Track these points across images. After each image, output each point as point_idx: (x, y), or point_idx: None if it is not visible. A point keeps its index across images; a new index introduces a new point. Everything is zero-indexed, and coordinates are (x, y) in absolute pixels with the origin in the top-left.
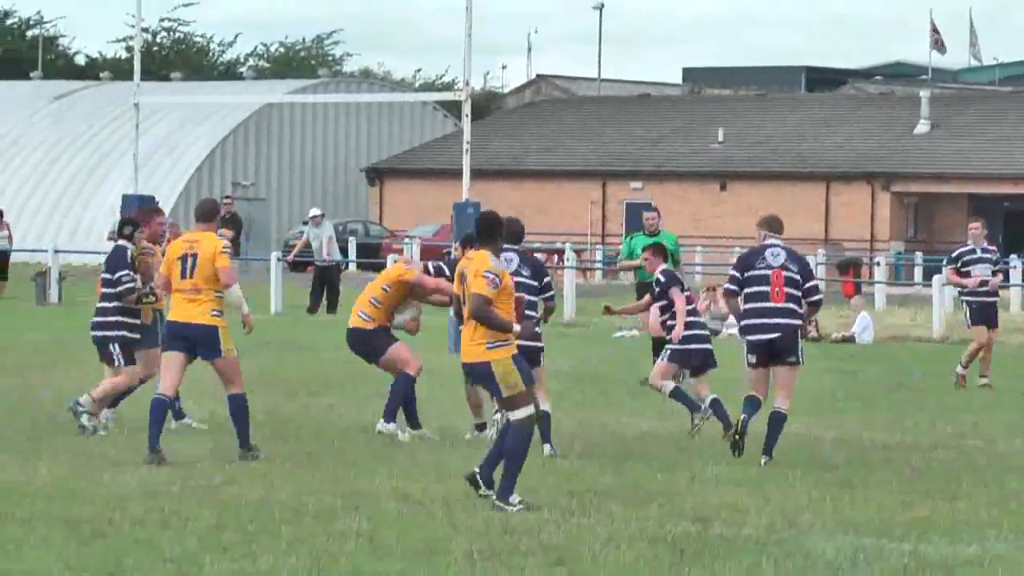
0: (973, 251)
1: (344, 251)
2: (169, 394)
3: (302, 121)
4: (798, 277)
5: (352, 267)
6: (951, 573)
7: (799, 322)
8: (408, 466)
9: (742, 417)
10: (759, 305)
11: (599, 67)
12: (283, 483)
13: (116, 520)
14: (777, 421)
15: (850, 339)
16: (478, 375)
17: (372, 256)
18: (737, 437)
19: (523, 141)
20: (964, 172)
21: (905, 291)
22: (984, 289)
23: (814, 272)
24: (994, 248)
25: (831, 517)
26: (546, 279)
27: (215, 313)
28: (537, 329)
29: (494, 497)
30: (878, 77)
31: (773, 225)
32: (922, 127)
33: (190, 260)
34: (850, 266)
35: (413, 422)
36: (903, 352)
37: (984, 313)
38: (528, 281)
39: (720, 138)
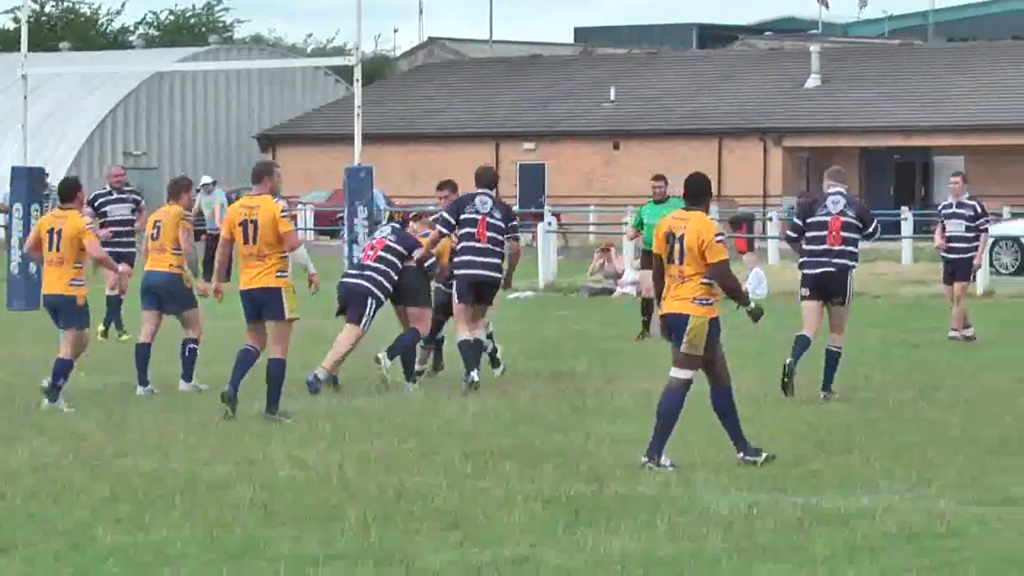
0: (949, 205)
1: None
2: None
3: (193, 89)
4: (856, 222)
5: None
6: (845, 524)
7: (853, 264)
8: (302, 433)
9: (788, 361)
10: (817, 247)
11: (490, 29)
12: (177, 453)
13: (7, 494)
14: (832, 357)
15: None
16: (675, 325)
17: None
18: (786, 380)
19: (415, 104)
20: (855, 126)
21: None
22: (951, 246)
23: (868, 213)
24: (973, 203)
25: (725, 473)
26: (512, 222)
27: (280, 274)
28: (497, 261)
29: (645, 459)
30: (768, 32)
31: (837, 176)
32: (812, 81)
33: (251, 226)
34: (743, 222)
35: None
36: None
37: (947, 270)
38: (498, 222)
39: (612, 97)
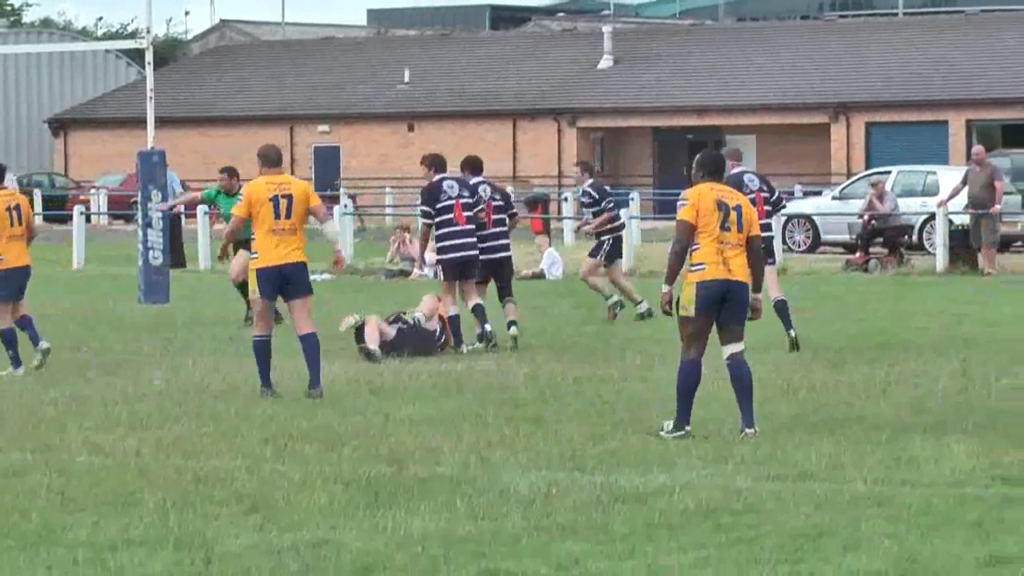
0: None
1: (29, 203)
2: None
3: None
4: (768, 195)
5: (38, 220)
6: (643, 502)
7: (771, 233)
8: (99, 418)
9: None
10: None
11: (283, 11)
12: None
13: None
14: (783, 307)
15: (540, 275)
16: (739, 292)
17: (58, 208)
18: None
19: (208, 87)
20: (647, 106)
21: None
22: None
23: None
24: (590, 191)
25: (524, 453)
26: (511, 199)
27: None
28: (507, 241)
29: (749, 430)
30: (561, 14)
31: (738, 155)
32: (605, 62)
33: (284, 202)
34: (538, 203)
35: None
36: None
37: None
38: (499, 203)
39: (406, 79)
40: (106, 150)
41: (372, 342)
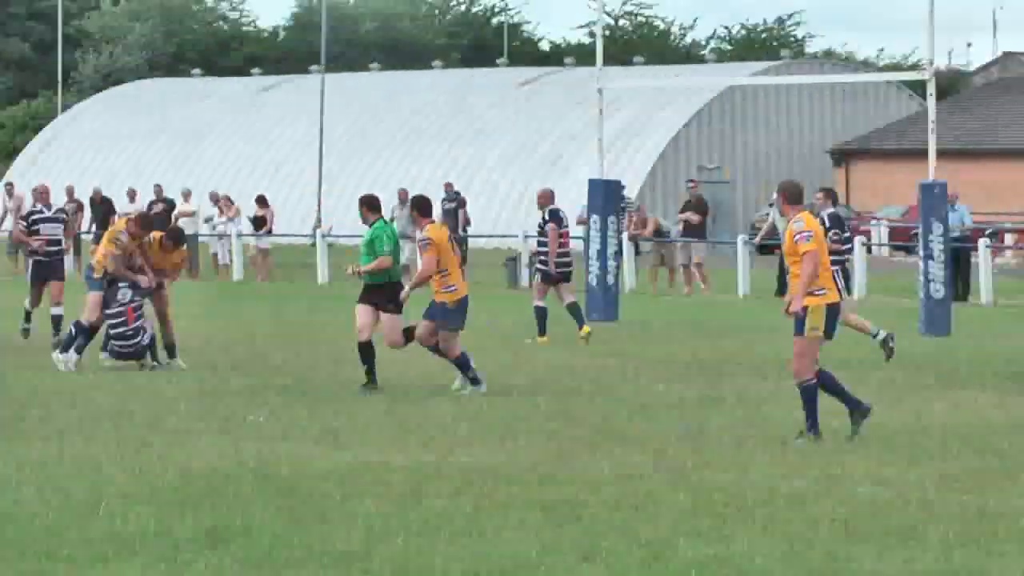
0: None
1: None
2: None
3: (764, 103)
4: None
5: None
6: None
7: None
8: (880, 450)
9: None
10: None
11: None
12: (756, 467)
13: (591, 503)
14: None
15: None
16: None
17: None
18: None
19: (990, 120)
20: None
21: None
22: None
23: None
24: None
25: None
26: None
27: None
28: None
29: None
30: None
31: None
32: None
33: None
34: None
35: None
36: None
37: None
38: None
39: None
40: (887, 181)
41: None
